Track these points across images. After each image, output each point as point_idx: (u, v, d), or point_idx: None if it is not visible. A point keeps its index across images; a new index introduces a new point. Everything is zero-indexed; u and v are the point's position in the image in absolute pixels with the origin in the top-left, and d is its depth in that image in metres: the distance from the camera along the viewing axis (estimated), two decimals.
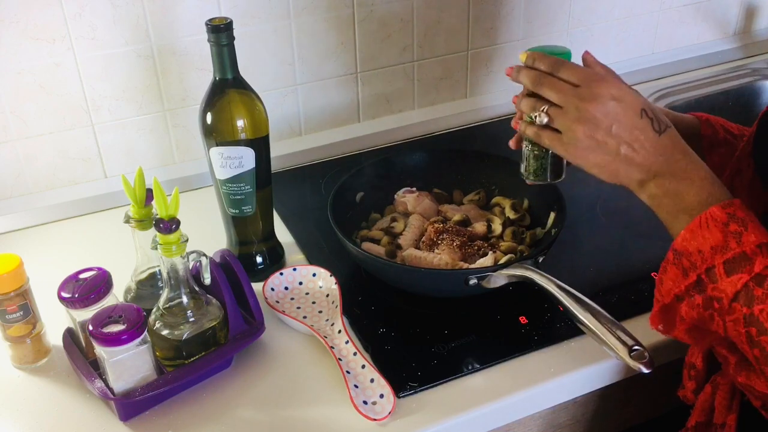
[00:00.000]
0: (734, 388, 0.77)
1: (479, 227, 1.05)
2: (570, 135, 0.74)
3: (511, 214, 1.07)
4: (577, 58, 0.79)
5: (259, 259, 1.03)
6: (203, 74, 1.20)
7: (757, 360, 0.66)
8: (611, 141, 0.72)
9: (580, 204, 1.16)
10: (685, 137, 0.76)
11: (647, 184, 0.72)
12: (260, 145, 0.95)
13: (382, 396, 0.83)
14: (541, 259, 0.94)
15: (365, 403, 0.82)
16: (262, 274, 1.00)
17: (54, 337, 0.90)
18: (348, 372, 0.85)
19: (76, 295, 0.82)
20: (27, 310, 0.87)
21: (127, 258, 0.94)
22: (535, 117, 0.77)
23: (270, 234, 1.04)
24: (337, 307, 0.94)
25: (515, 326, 0.93)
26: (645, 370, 0.74)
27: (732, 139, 0.89)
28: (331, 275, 0.98)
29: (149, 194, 0.87)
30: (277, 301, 0.97)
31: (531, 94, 0.78)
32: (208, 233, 1.04)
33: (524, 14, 1.40)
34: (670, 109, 0.91)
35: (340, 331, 0.91)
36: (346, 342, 0.89)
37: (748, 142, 0.80)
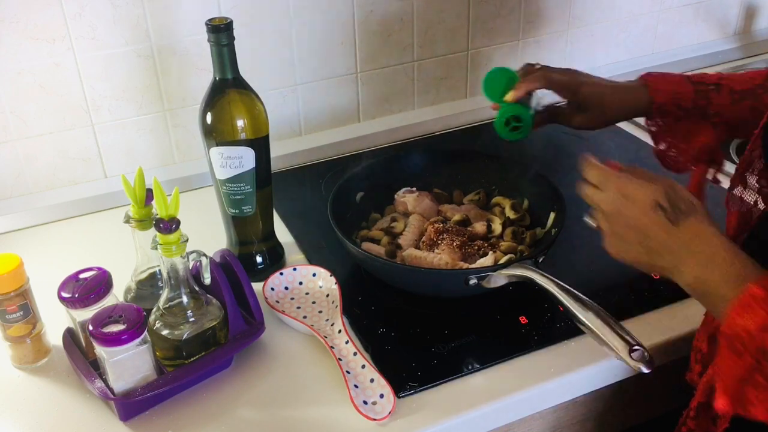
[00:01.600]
0: None
1: (479, 227, 1.05)
2: (604, 232, 0.76)
3: (511, 214, 1.07)
4: (569, 61, 0.81)
5: (259, 259, 1.03)
6: (203, 74, 1.20)
7: None
8: (630, 234, 0.73)
9: (580, 204, 1.15)
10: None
11: (677, 273, 0.71)
12: (260, 145, 0.94)
13: (382, 396, 0.83)
14: (541, 259, 0.94)
15: (365, 403, 0.82)
16: (262, 274, 1.00)
17: (54, 337, 0.90)
18: (348, 372, 0.85)
19: (76, 295, 0.82)
20: (27, 310, 0.87)
21: (127, 258, 0.94)
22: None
23: (270, 234, 1.04)
24: (337, 307, 0.94)
25: (515, 326, 0.93)
26: (645, 370, 0.74)
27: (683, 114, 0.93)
28: (331, 275, 0.98)
29: (149, 194, 0.87)
30: (277, 301, 0.97)
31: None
32: (208, 233, 1.04)
33: (524, 14, 1.40)
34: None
35: (340, 331, 0.91)
36: (346, 342, 0.89)
37: (759, 134, 0.80)
